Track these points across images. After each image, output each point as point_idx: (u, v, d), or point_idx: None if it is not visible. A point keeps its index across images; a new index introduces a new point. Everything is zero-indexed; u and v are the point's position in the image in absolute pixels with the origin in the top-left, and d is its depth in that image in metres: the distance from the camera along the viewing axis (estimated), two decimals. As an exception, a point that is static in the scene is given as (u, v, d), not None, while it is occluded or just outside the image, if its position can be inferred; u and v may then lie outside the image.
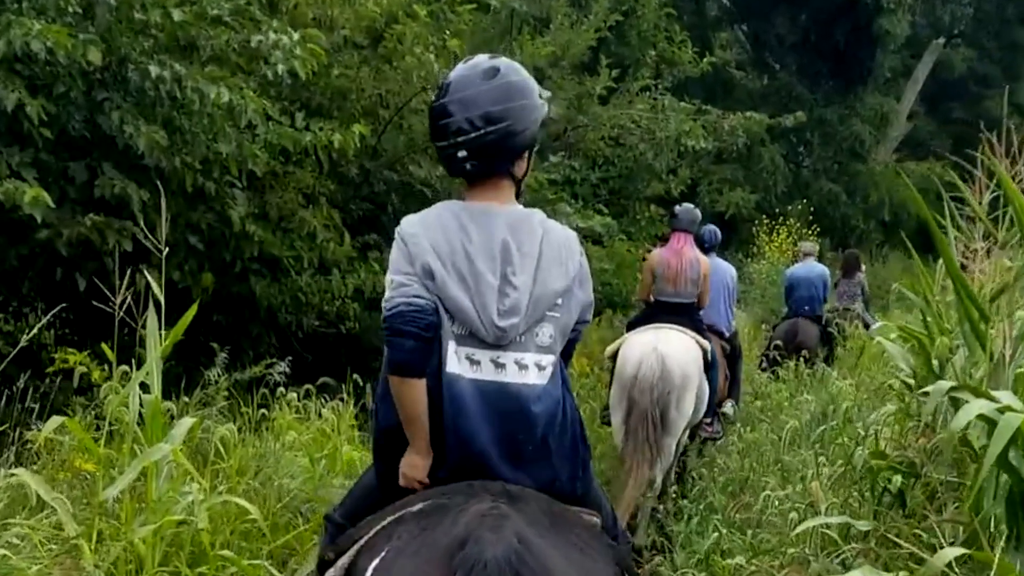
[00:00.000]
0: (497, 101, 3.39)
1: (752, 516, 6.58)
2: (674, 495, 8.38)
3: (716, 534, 6.43)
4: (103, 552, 5.07)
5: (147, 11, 7.82)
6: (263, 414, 7.70)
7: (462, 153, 3.41)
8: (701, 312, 9.51)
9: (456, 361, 3.26)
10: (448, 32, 10.90)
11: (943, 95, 37.08)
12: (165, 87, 7.85)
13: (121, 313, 5.41)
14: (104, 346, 5.57)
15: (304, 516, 6.53)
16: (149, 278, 5.62)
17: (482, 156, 3.42)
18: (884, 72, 32.26)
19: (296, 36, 8.27)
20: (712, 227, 11.61)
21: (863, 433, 6.05)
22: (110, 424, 5.60)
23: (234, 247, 9.07)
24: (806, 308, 14.41)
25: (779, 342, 13.35)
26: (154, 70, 7.70)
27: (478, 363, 3.26)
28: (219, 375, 7.74)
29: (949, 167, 26.11)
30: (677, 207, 9.59)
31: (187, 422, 5.53)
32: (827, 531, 5.00)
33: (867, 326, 15.39)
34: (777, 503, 6.03)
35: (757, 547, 5.79)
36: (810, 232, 24.10)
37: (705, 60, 17.18)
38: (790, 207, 26.74)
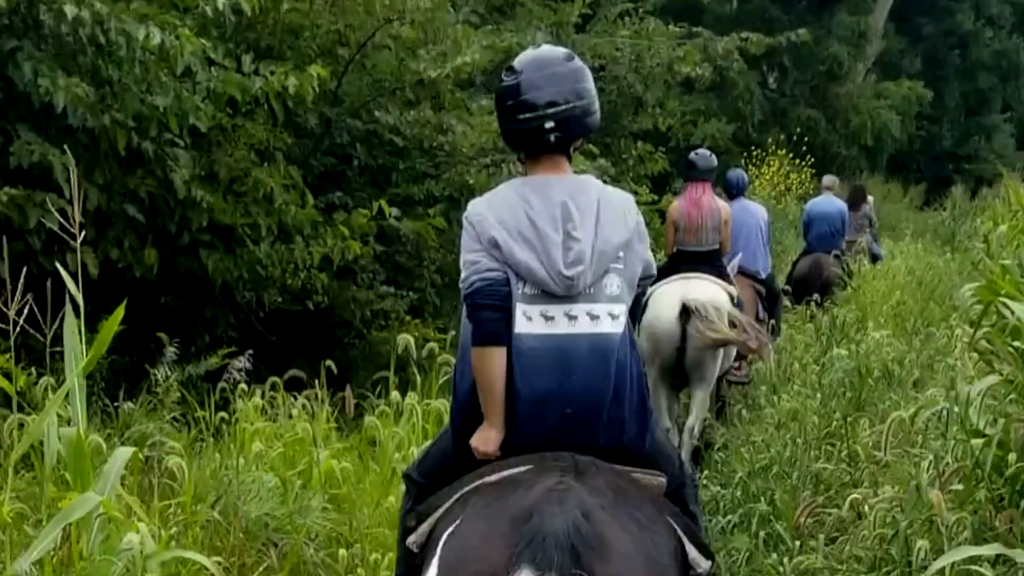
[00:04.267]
0: (578, 80, 3.69)
1: (826, 517, 5.47)
2: (703, 481, 7.32)
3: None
4: (19, 638, 3.89)
5: (57, -59, 6.87)
6: (222, 417, 6.56)
7: (550, 124, 3.62)
8: (738, 256, 9.80)
9: (526, 321, 3.50)
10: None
11: (912, 11, 36.08)
12: (85, 30, 7.01)
13: (21, 321, 4.20)
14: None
15: (279, 549, 5.38)
16: (62, 269, 4.43)
17: (566, 128, 3.65)
18: (859, -13, 31.37)
19: (237, -40, 7.17)
20: (739, 171, 11.77)
21: (957, 412, 4.88)
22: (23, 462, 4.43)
23: (180, 216, 8.15)
24: (827, 244, 14.17)
25: (801, 278, 13.52)
26: (70, 10, 6.79)
27: (552, 318, 3.51)
28: (167, 374, 6.60)
29: (924, 86, 25.23)
30: (693, 155, 9.36)
31: (123, 455, 4.41)
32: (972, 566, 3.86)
33: (874, 259, 15.40)
34: (870, 510, 4.86)
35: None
36: (804, 164, 23.26)
37: (690, -23, 16.06)
38: (769, 137, 25.71)
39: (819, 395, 7.74)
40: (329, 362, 7.20)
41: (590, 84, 3.71)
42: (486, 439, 3.55)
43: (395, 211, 9.18)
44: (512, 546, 2.84)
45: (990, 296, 5.16)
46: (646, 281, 3.78)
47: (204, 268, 8.30)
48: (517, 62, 3.75)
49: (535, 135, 3.65)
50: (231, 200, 8.38)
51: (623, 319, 3.56)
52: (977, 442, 4.39)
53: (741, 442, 7.75)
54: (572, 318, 3.50)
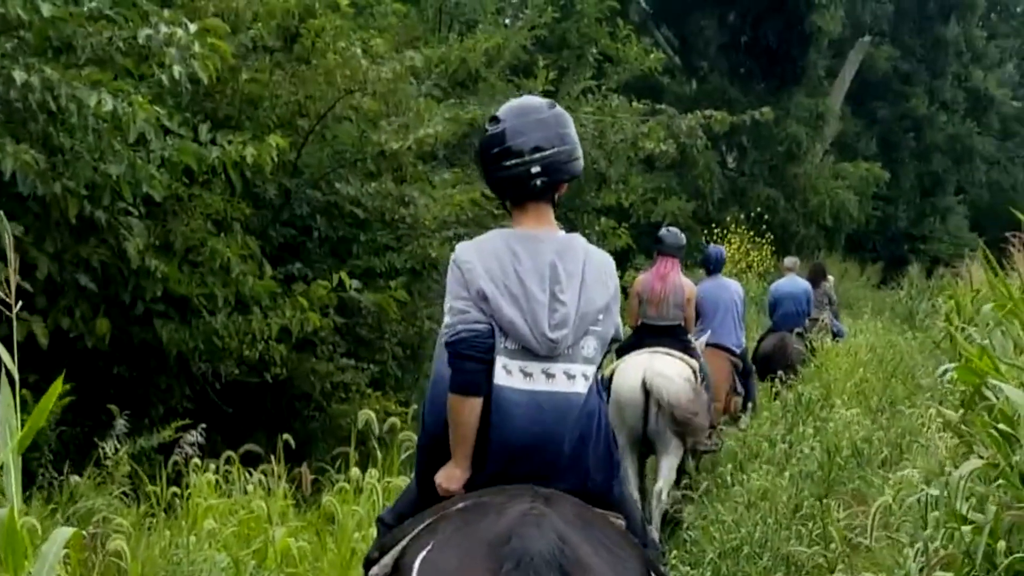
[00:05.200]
0: (562, 126, 3.78)
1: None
2: (673, 560, 7.15)
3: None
4: None
5: (6, 5, 6.68)
6: (174, 492, 6.32)
7: (536, 169, 3.70)
8: (707, 333, 10.09)
9: (505, 374, 3.58)
10: (373, 29, 9.70)
11: (867, 94, 36.75)
12: (35, 96, 6.78)
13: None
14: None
15: (231, 633, 5.12)
16: (-5, 339, 4.16)
17: (552, 172, 3.73)
18: (818, 71, 31.78)
19: (194, 28, 6.96)
20: (720, 248, 12.33)
21: (944, 496, 4.74)
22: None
23: (133, 286, 7.91)
24: (792, 323, 14.33)
25: (765, 357, 13.70)
26: (19, 76, 6.61)
27: (530, 375, 3.59)
28: (116, 447, 6.38)
29: (880, 167, 25.56)
30: (663, 231, 9.61)
31: (62, 535, 4.07)
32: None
33: (835, 335, 15.46)
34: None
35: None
36: (764, 241, 23.41)
37: (653, 56, 16.13)
38: (728, 215, 25.84)
39: (787, 473, 7.63)
40: (287, 436, 7.01)
41: (572, 130, 3.80)
42: (450, 477, 3.64)
43: (356, 283, 9.02)
44: (494, 569, 2.90)
45: (971, 377, 5.04)
46: (613, 344, 3.91)
47: (158, 338, 8.06)
48: (500, 112, 3.84)
49: (521, 182, 3.73)
50: (187, 270, 8.16)
51: (592, 379, 3.67)
52: (967, 529, 4.23)
53: (710, 521, 7.57)
54: (550, 376, 3.58)
